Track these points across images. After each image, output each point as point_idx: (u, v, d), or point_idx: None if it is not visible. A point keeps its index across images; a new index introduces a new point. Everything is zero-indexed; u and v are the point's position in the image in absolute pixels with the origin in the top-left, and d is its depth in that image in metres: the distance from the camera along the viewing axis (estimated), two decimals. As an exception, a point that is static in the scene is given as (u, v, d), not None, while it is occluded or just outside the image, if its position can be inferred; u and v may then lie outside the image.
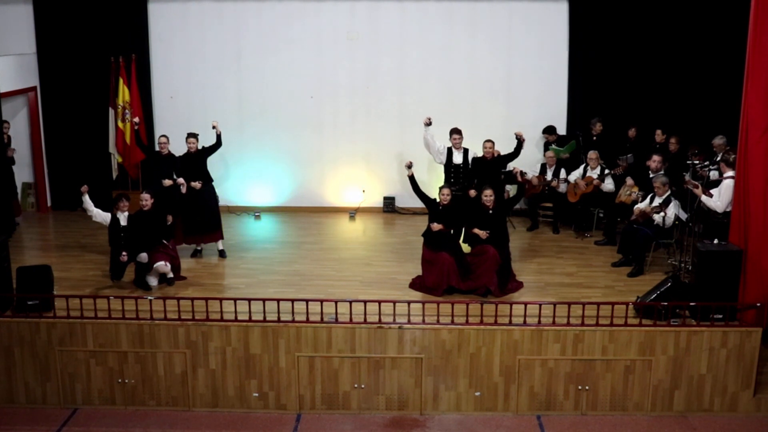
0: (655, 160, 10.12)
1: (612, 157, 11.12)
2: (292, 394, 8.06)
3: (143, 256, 8.80)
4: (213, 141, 9.99)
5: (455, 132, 10.32)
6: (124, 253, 8.75)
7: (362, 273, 9.63)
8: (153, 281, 8.96)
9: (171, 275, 9.06)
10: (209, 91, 12.12)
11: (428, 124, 10.24)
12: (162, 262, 8.88)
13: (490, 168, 10.15)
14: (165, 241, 9.12)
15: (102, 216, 9.01)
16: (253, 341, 7.93)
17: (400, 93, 12.08)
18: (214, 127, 9.93)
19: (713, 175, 9.85)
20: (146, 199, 8.97)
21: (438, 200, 8.98)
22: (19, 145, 12.06)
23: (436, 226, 8.83)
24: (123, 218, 8.94)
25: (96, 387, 8.11)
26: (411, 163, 9.28)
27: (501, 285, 8.78)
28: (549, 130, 11.78)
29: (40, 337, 7.98)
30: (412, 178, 9.19)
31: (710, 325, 7.83)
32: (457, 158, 10.35)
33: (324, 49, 11.99)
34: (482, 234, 8.81)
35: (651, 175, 10.05)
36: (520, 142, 9.94)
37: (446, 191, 8.94)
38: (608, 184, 10.68)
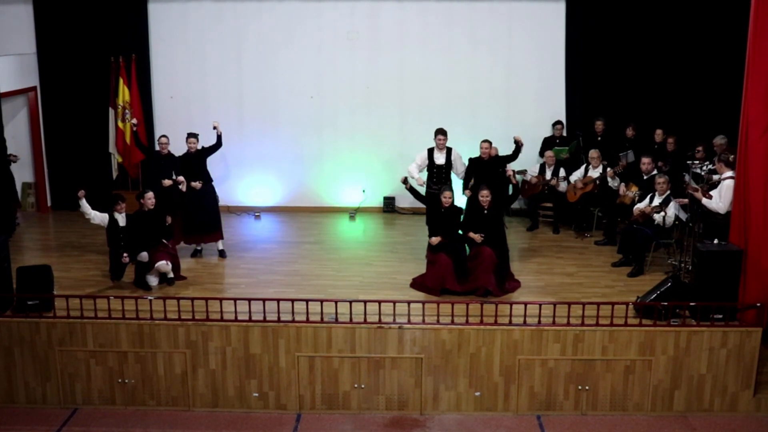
0: (645, 162, 10.13)
1: (612, 156, 11.13)
2: (292, 394, 8.06)
3: (144, 255, 8.81)
4: (213, 141, 9.99)
5: (440, 132, 10.28)
6: (125, 254, 8.76)
7: (362, 273, 9.63)
8: (153, 281, 8.96)
9: (171, 275, 9.06)
10: (209, 91, 12.12)
11: (404, 182, 9.34)
12: (163, 262, 8.89)
13: (487, 168, 10.14)
14: (165, 241, 9.12)
15: (100, 217, 9.01)
16: (253, 341, 7.93)
17: (400, 93, 12.08)
18: (215, 128, 9.93)
19: (714, 177, 9.83)
20: (151, 198, 8.98)
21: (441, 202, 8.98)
22: (19, 145, 12.06)
23: (435, 240, 8.87)
24: (121, 219, 8.94)
25: (96, 387, 8.11)
26: (405, 178, 9.25)
27: (499, 284, 8.78)
28: (559, 123, 11.85)
29: (40, 337, 7.98)
30: (411, 190, 9.23)
31: (710, 325, 7.83)
32: (439, 159, 10.34)
33: (324, 49, 11.99)
34: (477, 238, 8.82)
35: (644, 177, 10.06)
36: (519, 146, 9.92)
37: (448, 194, 8.94)
38: (613, 181, 10.66)
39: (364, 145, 12.25)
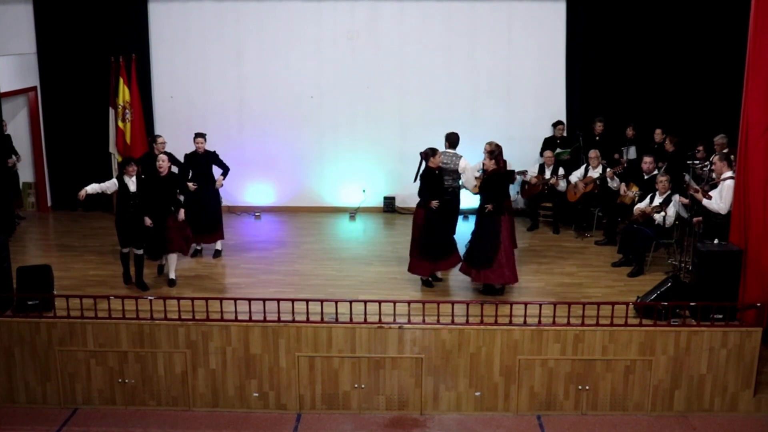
0: (646, 162, 10.13)
1: (612, 156, 11.12)
2: (292, 394, 8.06)
3: (147, 221, 8.73)
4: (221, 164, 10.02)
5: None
6: (147, 219, 8.71)
7: (362, 273, 9.63)
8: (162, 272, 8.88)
9: (173, 276, 9.08)
10: (209, 91, 12.12)
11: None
12: (174, 255, 8.92)
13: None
14: (173, 209, 9.01)
15: (109, 185, 8.83)
16: (253, 341, 7.93)
17: (400, 93, 12.08)
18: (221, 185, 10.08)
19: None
20: (164, 160, 8.94)
21: (430, 165, 8.71)
22: (20, 145, 12.06)
23: (434, 204, 8.61)
24: (132, 184, 8.80)
25: (96, 387, 8.11)
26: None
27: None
28: (560, 123, 11.83)
29: (40, 337, 7.98)
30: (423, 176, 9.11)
31: (710, 325, 7.83)
32: None
33: (324, 49, 11.99)
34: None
35: (645, 177, 10.06)
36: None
37: (438, 154, 8.75)
38: (612, 182, 10.66)
39: (364, 145, 12.25)
